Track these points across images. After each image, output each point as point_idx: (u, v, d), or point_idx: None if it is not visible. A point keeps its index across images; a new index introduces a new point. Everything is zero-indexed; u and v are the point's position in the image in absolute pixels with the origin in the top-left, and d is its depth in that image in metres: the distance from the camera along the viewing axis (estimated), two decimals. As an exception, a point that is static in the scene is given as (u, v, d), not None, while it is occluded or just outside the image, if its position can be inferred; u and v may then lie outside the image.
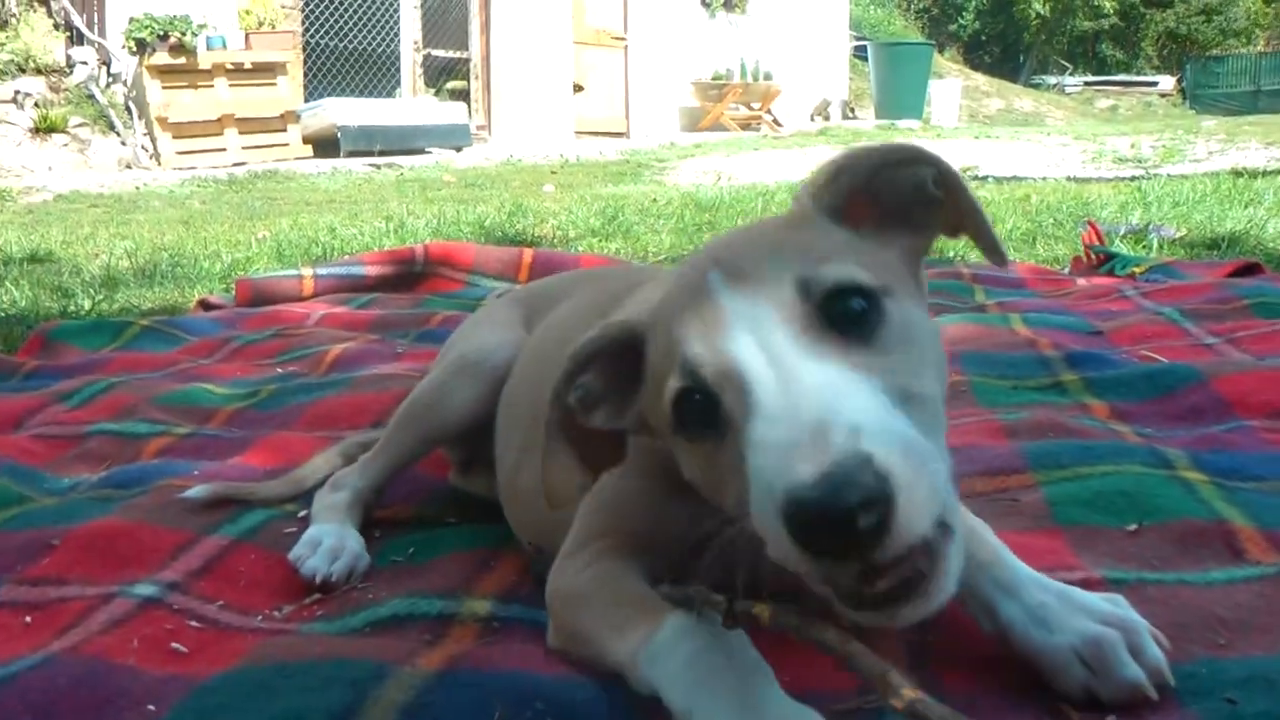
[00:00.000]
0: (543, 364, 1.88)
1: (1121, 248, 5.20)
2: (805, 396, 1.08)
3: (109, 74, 15.68)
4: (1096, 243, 5.09)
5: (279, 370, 3.44)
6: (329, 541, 1.94)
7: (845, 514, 0.98)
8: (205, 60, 15.02)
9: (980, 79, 32.24)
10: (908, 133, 19.31)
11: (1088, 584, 1.53)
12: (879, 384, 1.12)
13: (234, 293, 4.85)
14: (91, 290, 5.21)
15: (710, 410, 1.19)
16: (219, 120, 15.12)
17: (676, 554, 1.47)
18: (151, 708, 1.42)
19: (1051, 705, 1.31)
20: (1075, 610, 1.35)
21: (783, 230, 1.32)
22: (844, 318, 1.17)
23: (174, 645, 1.63)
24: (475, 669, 1.46)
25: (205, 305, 4.76)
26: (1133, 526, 1.80)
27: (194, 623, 1.72)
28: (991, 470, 2.10)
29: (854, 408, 1.06)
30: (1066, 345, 3.03)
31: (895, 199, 1.35)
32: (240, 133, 15.22)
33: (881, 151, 1.36)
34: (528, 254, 5.14)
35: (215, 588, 1.86)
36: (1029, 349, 3.02)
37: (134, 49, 14.98)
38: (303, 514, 2.14)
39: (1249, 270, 4.31)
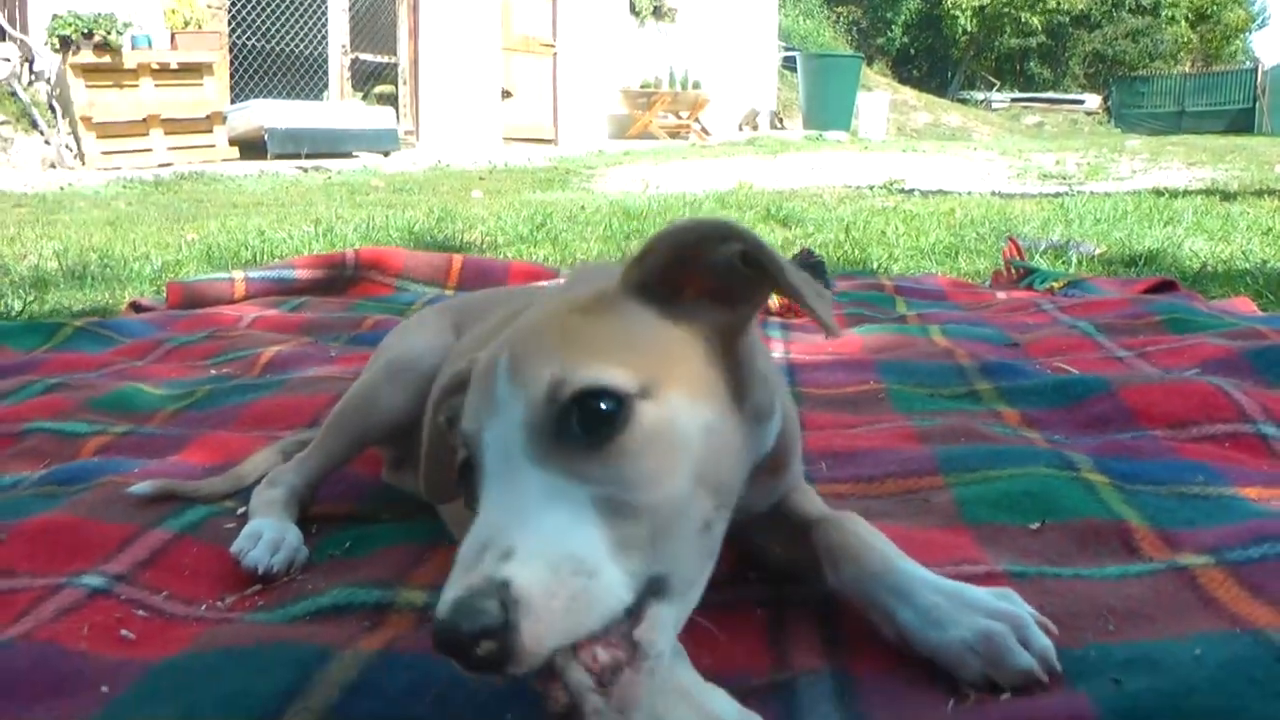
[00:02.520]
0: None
1: (1041, 263, 5.35)
2: (499, 509, 1.17)
3: (31, 71, 15.50)
4: (1016, 258, 5.23)
5: (213, 372, 3.49)
6: (269, 535, 2.01)
7: (462, 643, 1.06)
8: (130, 59, 14.88)
9: (908, 93, 32.59)
10: (836, 144, 19.51)
11: (991, 577, 1.65)
12: (589, 495, 1.17)
13: (165, 295, 4.87)
14: (21, 291, 5.21)
15: (474, 486, 1.28)
16: (144, 121, 14.98)
17: None
18: (105, 689, 1.50)
19: (955, 687, 1.41)
20: (965, 608, 1.46)
21: (579, 315, 1.34)
22: (591, 419, 1.21)
23: (123, 632, 1.70)
24: (414, 651, 1.56)
25: (136, 307, 4.77)
26: (1036, 525, 1.92)
27: (141, 611, 1.79)
28: (904, 472, 2.21)
29: (524, 527, 1.13)
30: (983, 356, 3.16)
31: (711, 276, 1.38)
32: (166, 133, 15.10)
33: (690, 229, 1.37)
34: (457, 260, 5.21)
35: (160, 579, 1.92)
36: (946, 359, 3.15)
37: (57, 46, 14.81)
38: (242, 510, 2.21)
39: (1164, 287, 4.47)
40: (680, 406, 1.27)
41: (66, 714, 1.43)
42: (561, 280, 2.37)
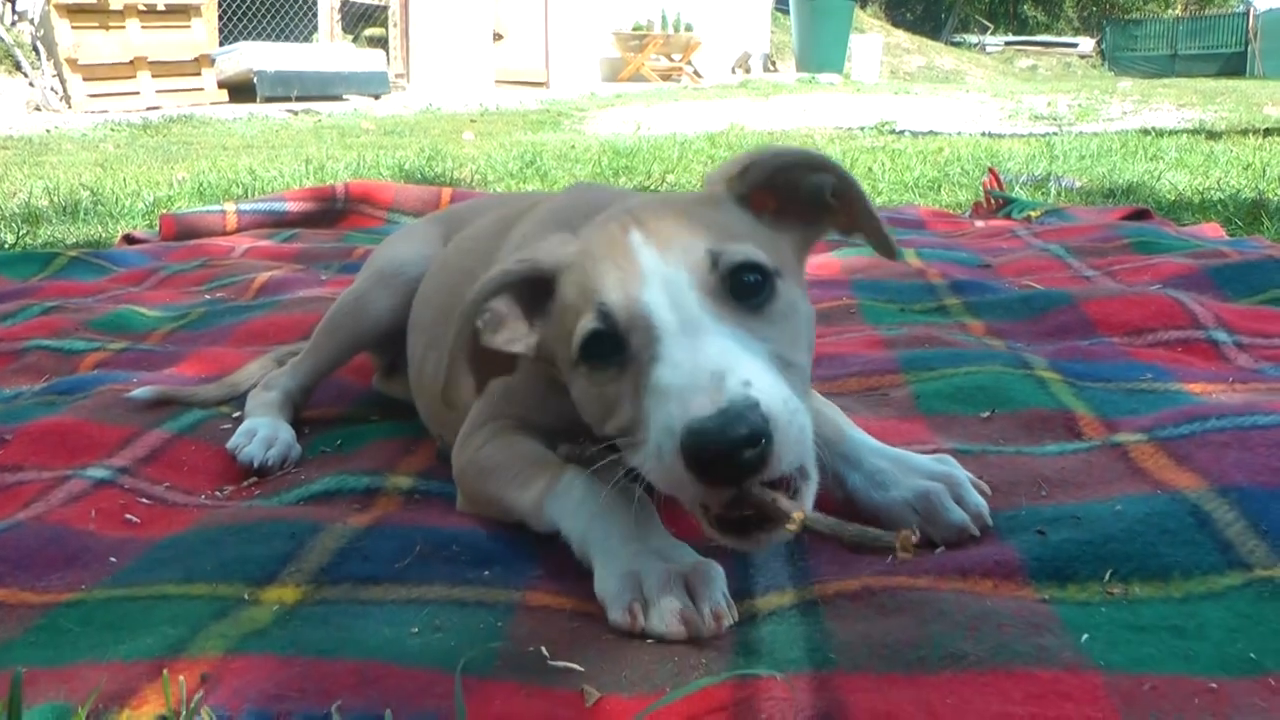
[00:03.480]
0: (448, 274, 2.12)
1: (1021, 194, 5.42)
2: (706, 350, 1.30)
3: (14, 12, 15.26)
4: (996, 188, 5.30)
5: (207, 296, 3.58)
6: (263, 432, 2.13)
7: (736, 443, 1.21)
8: (116, 0, 14.77)
9: (901, 36, 32.41)
10: (828, 87, 19.49)
11: (938, 454, 1.74)
12: (765, 349, 1.35)
13: (158, 228, 4.94)
14: (14, 225, 5.28)
15: (616, 349, 1.40)
16: (131, 63, 14.73)
17: (556, 436, 1.70)
18: (113, 560, 1.62)
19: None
20: (907, 470, 1.60)
21: (697, 206, 1.53)
22: (743, 290, 1.40)
23: (128, 517, 1.82)
24: (400, 524, 1.68)
25: (130, 240, 4.84)
26: (986, 414, 2.04)
27: (144, 500, 1.90)
28: (866, 372, 2.33)
29: (746, 364, 1.29)
30: (954, 275, 3.27)
31: (795, 197, 1.58)
32: (154, 76, 14.87)
33: (790, 155, 1.56)
34: (446, 192, 5.28)
35: (161, 472, 2.04)
36: (919, 278, 3.26)
37: (40, -14, 14.66)
38: (237, 414, 2.32)
39: (1139, 215, 4.56)
40: (797, 291, 1.49)
41: (77, 582, 1.55)
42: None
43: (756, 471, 1.23)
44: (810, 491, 1.32)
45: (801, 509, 1.27)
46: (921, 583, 1.40)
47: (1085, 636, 1.23)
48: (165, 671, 1.22)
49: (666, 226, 1.45)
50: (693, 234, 1.43)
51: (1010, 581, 1.39)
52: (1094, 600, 1.33)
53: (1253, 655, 1.17)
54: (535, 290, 1.57)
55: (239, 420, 2.27)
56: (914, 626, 1.27)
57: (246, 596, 1.47)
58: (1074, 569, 1.39)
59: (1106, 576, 1.37)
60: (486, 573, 1.52)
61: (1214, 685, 1.12)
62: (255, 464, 2.06)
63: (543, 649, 1.29)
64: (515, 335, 1.59)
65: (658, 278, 1.39)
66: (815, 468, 1.35)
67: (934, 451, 1.78)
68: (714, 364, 1.27)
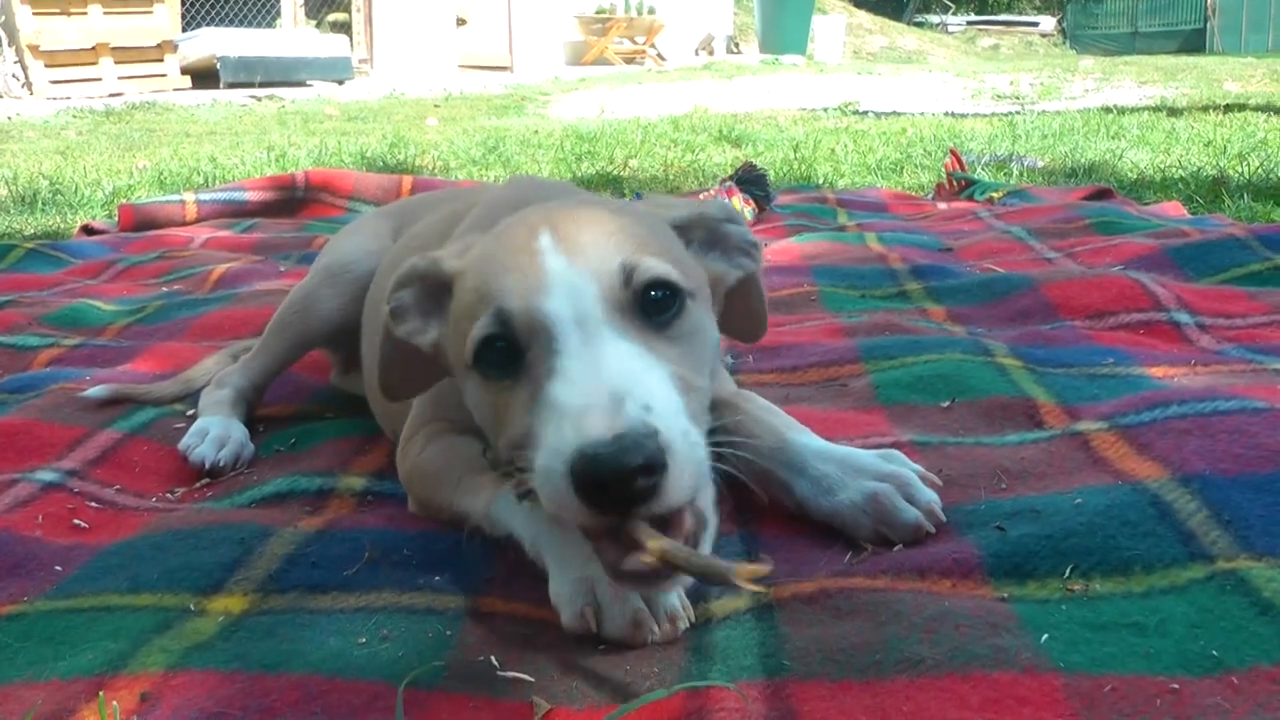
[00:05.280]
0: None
1: (983, 175, 5.42)
2: (608, 368, 1.25)
3: (-27, -1, 15.22)
4: (958, 170, 5.29)
5: (164, 289, 3.54)
6: (215, 431, 2.10)
7: (630, 472, 1.14)
8: (78, -15, 14.61)
9: (864, 16, 32.40)
10: (792, 68, 19.47)
11: (896, 447, 1.72)
12: (668, 370, 1.31)
13: (117, 218, 4.90)
14: (-28, 216, 5.23)
15: (512, 358, 1.36)
16: (94, 49, 14.61)
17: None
18: (59, 568, 1.58)
19: (852, 543, 1.52)
20: (854, 472, 1.57)
21: (624, 216, 1.48)
22: (653, 306, 1.36)
23: (76, 521, 1.78)
24: (351, 528, 1.66)
25: (88, 230, 4.80)
26: (946, 403, 2.03)
27: (93, 504, 1.87)
28: (825, 362, 2.31)
29: (647, 386, 1.24)
30: (915, 259, 3.25)
31: (722, 245, 1.61)
32: (116, 62, 14.75)
33: (734, 213, 1.62)
34: (407, 181, 5.25)
35: (111, 474, 2.00)
36: (879, 263, 3.24)
37: (0, -29, 14.53)
38: (191, 413, 2.28)
39: (1101, 195, 4.56)
40: (706, 318, 1.47)
41: (20, 593, 1.51)
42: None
43: (646, 502, 1.17)
44: (708, 538, 1.27)
45: (660, 540, 1.18)
46: (879, 583, 1.38)
47: (1045, 636, 1.21)
48: (101, 694, 1.19)
49: (583, 232, 1.39)
50: (610, 243, 1.38)
51: (969, 580, 1.37)
52: (1054, 598, 1.31)
53: (1215, 653, 1.15)
54: (436, 291, 1.54)
55: (192, 418, 2.23)
56: (869, 630, 1.25)
57: (192, 607, 1.44)
58: (1034, 565, 1.37)
59: (1067, 572, 1.35)
60: (437, 578, 1.49)
61: (1175, 685, 1.10)
62: (207, 465, 2.02)
63: (492, 658, 1.26)
64: (413, 329, 1.57)
65: (563, 286, 1.33)
66: (714, 511, 1.31)
67: (893, 444, 1.77)
68: (614, 384, 1.22)
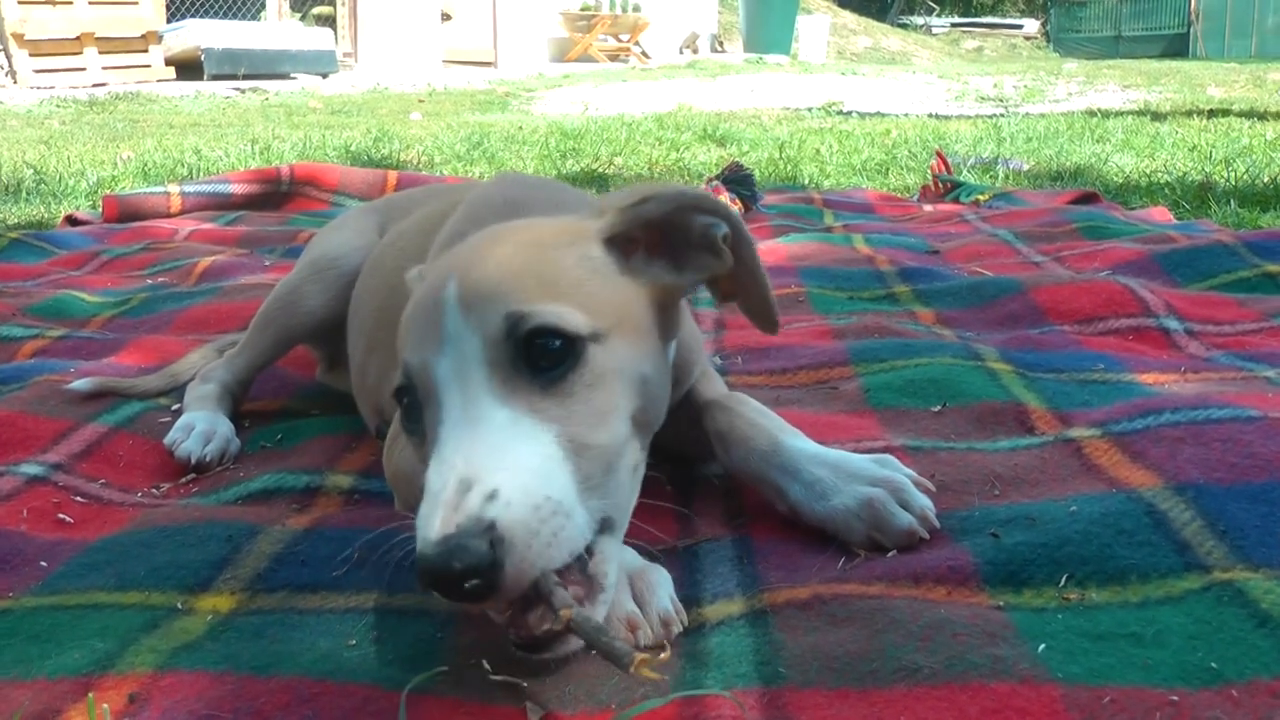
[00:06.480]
0: (383, 273, 2.06)
1: (969, 178, 5.42)
2: (465, 448, 1.20)
3: (-42, -12, 15.13)
4: (944, 172, 5.29)
5: (149, 281, 3.52)
6: (201, 426, 2.08)
7: (451, 579, 1.11)
8: (63, -26, 14.55)
9: (848, 17, 32.43)
10: (776, 68, 19.48)
11: (888, 452, 1.72)
12: (552, 432, 1.23)
13: (101, 209, 4.88)
14: (-45, 205, 5.19)
15: (419, 412, 1.32)
16: (78, 39, 14.55)
17: None
18: (44, 564, 1.57)
19: (845, 548, 1.50)
20: (848, 478, 1.55)
21: (536, 250, 1.38)
22: (544, 359, 1.26)
23: (61, 516, 1.77)
24: (339, 526, 1.65)
25: (72, 221, 4.76)
26: (937, 408, 2.02)
27: (78, 498, 1.85)
28: (815, 365, 2.30)
29: (503, 467, 1.17)
30: (902, 261, 3.25)
31: (680, 240, 1.46)
32: (101, 52, 14.70)
33: (690, 197, 1.45)
34: (392, 175, 5.23)
35: (96, 468, 1.98)
36: (867, 264, 3.24)
37: (-15, -41, 14.46)
38: (176, 407, 2.27)
39: (1087, 199, 4.57)
40: (625, 356, 1.33)
41: (6, 589, 1.50)
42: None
43: (487, 597, 1.13)
44: (601, 601, 1.23)
45: (570, 607, 1.15)
46: (873, 590, 1.36)
47: (1042, 646, 1.20)
48: (91, 695, 1.17)
49: (483, 277, 1.31)
50: (502, 289, 1.29)
51: (964, 587, 1.35)
52: (1050, 606, 1.30)
53: (1213, 665, 1.14)
54: None
55: (178, 413, 2.22)
56: (866, 637, 1.24)
57: (180, 605, 1.42)
58: (1029, 573, 1.36)
59: (1062, 581, 1.34)
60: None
61: (1175, 697, 1.09)
62: (192, 460, 2.01)
63: (484, 662, 1.24)
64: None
65: (452, 344, 1.27)
66: (611, 569, 1.25)
67: (885, 448, 1.76)
68: (463, 471, 1.16)
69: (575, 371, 1.27)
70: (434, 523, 1.13)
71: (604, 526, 1.25)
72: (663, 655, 1.16)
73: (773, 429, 1.65)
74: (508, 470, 1.17)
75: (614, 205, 1.44)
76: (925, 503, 1.52)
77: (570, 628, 1.15)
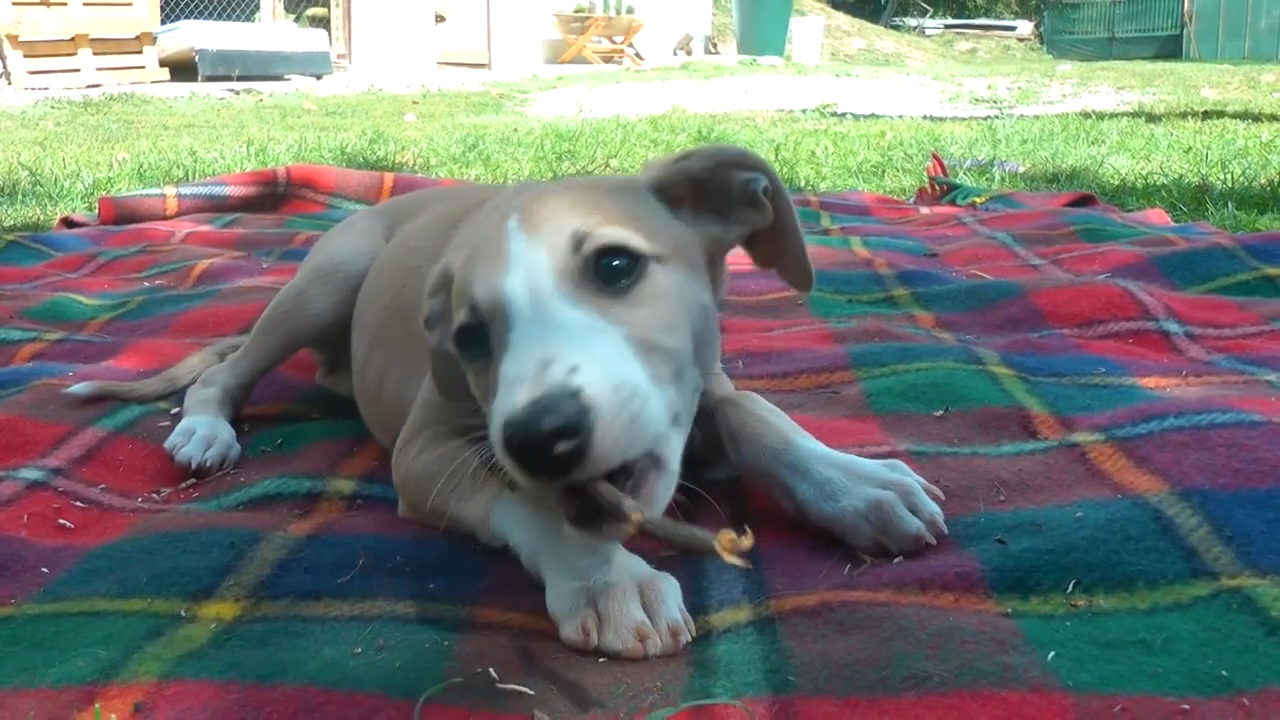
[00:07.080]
0: (393, 273, 2.07)
1: (965, 180, 5.41)
2: (545, 336, 1.26)
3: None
4: (940, 174, 5.29)
5: (146, 284, 3.51)
6: (202, 431, 2.07)
7: (544, 436, 1.15)
8: (57, -25, 14.51)
9: (842, 18, 32.44)
10: (770, 69, 19.47)
11: (892, 456, 1.72)
12: (623, 332, 1.31)
13: (97, 211, 4.87)
14: (-50, 209, 5.18)
15: (483, 339, 1.37)
16: (73, 40, 14.51)
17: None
18: (45, 570, 1.56)
19: (851, 554, 1.50)
20: (858, 479, 1.55)
21: (593, 190, 1.49)
22: (609, 273, 1.35)
23: (61, 521, 1.76)
24: (342, 533, 1.64)
25: (68, 223, 4.76)
26: (940, 412, 2.01)
27: (79, 503, 1.84)
28: (816, 369, 2.29)
29: (581, 348, 1.24)
30: (901, 265, 3.25)
31: (725, 198, 1.55)
32: (95, 54, 14.65)
33: (731, 152, 1.55)
34: (389, 178, 5.22)
35: (97, 473, 1.98)
36: (865, 268, 3.23)
37: (-20, -40, 14.41)
38: (176, 410, 2.26)
39: (1084, 201, 4.57)
40: (685, 280, 1.44)
41: (7, 596, 1.49)
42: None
43: (575, 465, 1.17)
44: (661, 482, 1.28)
45: (641, 510, 1.20)
46: (881, 596, 1.36)
47: (1051, 654, 1.19)
48: (97, 705, 1.17)
49: (545, 209, 1.41)
50: (566, 216, 1.39)
51: (972, 594, 1.35)
52: (1058, 613, 1.30)
53: (1224, 673, 1.14)
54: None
55: (178, 417, 2.21)
56: (874, 645, 1.23)
57: (183, 613, 1.41)
58: (1036, 580, 1.36)
59: (1070, 587, 1.34)
60: (432, 585, 1.47)
61: (1186, 706, 1.09)
62: (193, 464, 2.00)
63: (491, 670, 1.24)
64: (443, 335, 1.57)
65: (520, 264, 1.35)
66: (675, 457, 1.31)
67: (888, 453, 1.76)
68: (545, 351, 1.23)
69: (640, 284, 1.37)
70: (520, 392, 1.18)
71: (674, 420, 1.32)
72: (744, 541, 1.16)
73: (784, 428, 1.66)
74: (587, 353, 1.23)
75: (664, 160, 1.55)
76: (934, 509, 1.52)
77: (644, 531, 1.19)
